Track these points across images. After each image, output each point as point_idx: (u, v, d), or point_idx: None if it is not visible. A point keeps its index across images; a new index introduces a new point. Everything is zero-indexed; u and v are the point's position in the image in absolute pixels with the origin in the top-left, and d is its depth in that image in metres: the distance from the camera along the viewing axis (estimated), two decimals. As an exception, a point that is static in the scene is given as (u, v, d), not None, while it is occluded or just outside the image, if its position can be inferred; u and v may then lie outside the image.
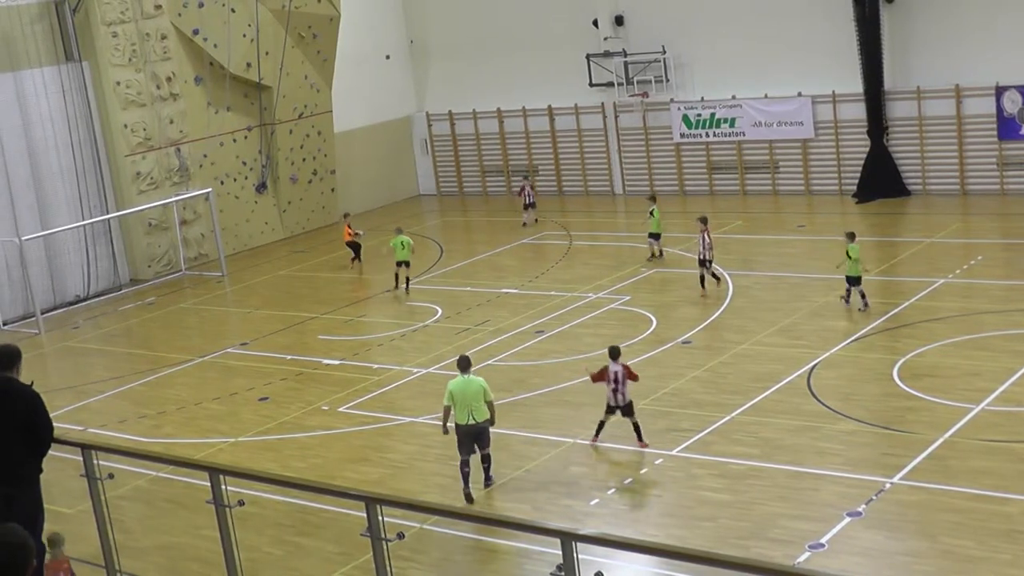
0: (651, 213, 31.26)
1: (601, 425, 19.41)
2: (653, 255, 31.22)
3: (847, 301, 25.20)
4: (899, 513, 16.24)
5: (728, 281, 28.40)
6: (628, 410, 19.18)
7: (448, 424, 18.36)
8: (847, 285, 25.17)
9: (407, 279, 30.95)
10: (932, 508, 16.23)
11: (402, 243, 30.73)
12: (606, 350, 19.70)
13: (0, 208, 33.73)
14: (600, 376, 19.24)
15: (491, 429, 18.27)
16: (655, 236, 31.27)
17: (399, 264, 30.83)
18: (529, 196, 37.93)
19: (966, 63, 34.28)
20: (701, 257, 27.63)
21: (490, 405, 18.03)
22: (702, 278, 27.69)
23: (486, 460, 18.31)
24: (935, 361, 21.83)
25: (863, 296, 24.89)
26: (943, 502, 16.35)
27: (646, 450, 18.94)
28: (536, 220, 37.88)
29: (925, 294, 25.79)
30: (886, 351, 22.74)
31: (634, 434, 19.19)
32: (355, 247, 34.56)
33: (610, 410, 19.24)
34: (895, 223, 33.75)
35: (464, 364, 18.28)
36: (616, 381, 19.00)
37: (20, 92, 34.31)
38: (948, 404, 19.62)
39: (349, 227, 34.84)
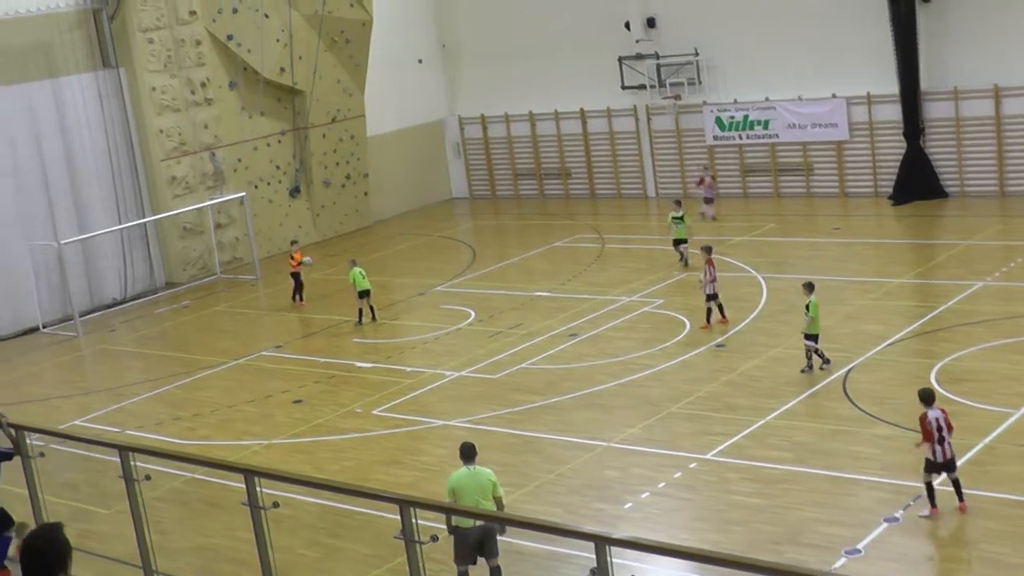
0: (679, 218, 30.81)
1: (930, 488, 15.99)
2: (683, 258, 30.67)
3: (812, 364, 21.97)
4: (937, 519, 16.11)
5: (762, 285, 28.32)
6: (952, 464, 15.95)
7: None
8: (809, 344, 21.98)
9: (372, 308, 29.44)
10: (970, 514, 16.06)
11: (361, 274, 29.25)
12: (918, 395, 16.43)
13: (38, 212, 34.02)
14: (927, 432, 15.85)
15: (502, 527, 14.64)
16: (681, 242, 30.80)
17: (362, 296, 29.12)
18: (709, 189, 36.42)
19: (1004, 62, 34.00)
20: (708, 291, 25.42)
21: (499, 502, 14.65)
22: (708, 311, 25.60)
23: (495, 574, 14.72)
24: (973, 365, 21.65)
25: (821, 354, 22.04)
26: (982, 508, 16.19)
27: (708, 458, 18.56)
28: (714, 217, 36.08)
29: (963, 297, 25.60)
30: (923, 355, 22.58)
31: (954, 493, 16.05)
32: (298, 280, 32.00)
33: (933, 467, 15.88)
34: (932, 225, 33.53)
35: (469, 453, 14.82)
36: (939, 429, 15.79)
37: (58, 98, 34.61)
38: (987, 409, 19.44)
39: (297, 255, 31.92)
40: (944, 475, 16.05)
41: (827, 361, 22.05)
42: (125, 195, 35.85)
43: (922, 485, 16.11)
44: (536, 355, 25.16)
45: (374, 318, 29.39)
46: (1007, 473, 17.13)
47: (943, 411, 15.99)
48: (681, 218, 30.78)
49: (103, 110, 35.43)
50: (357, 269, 29.32)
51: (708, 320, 25.58)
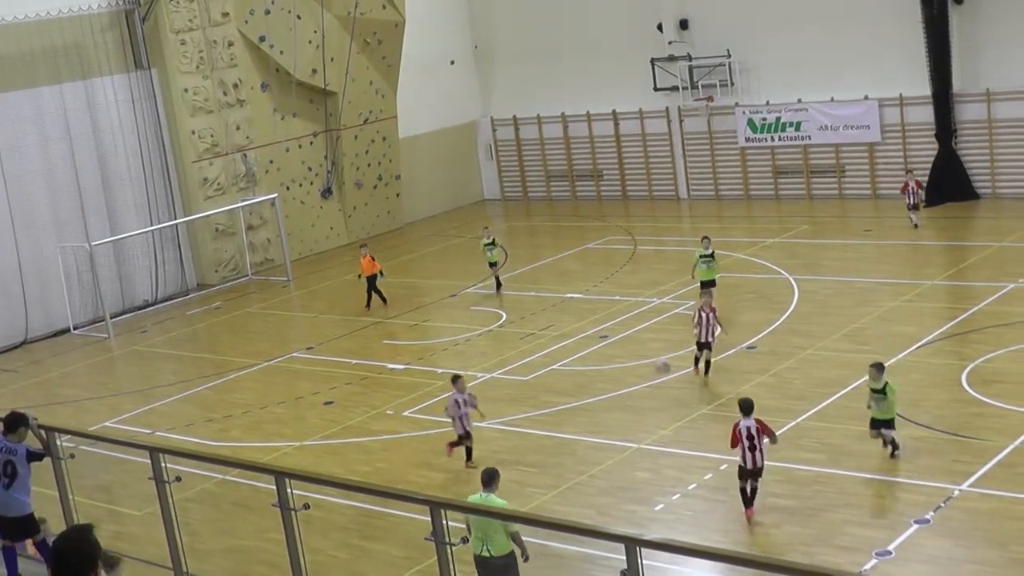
0: (709, 256, 26.57)
1: (743, 492, 16.73)
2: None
3: (893, 448, 18.18)
4: (968, 521, 16.02)
5: (794, 286, 28.22)
6: (758, 472, 16.61)
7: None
8: (887, 433, 18.19)
9: (496, 278, 31.52)
10: (1002, 516, 15.99)
11: (493, 243, 31.42)
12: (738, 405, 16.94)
13: (71, 214, 34.22)
14: (735, 438, 16.56)
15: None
16: (710, 284, 26.37)
17: (491, 265, 31.46)
18: (913, 195, 32.51)
19: (1037, 64, 33.78)
20: (700, 339, 22.54)
21: (514, 537, 13.45)
22: (696, 360, 22.90)
23: None
24: (1005, 367, 21.50)
25: (894, 443, 18.16)
26: (1014, 510, 16.10)
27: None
28: (917, 225, 32.63)
29: (994, 299, 25.41)
30: (954, 356, 22.46)
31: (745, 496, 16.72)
32: (372, 282, 31.25)
33: (745, 473, 16.64)
34: (964, 227, 33.32)
35: (486, 479, 14.09)
36: (750, 438, 16.40)
37: (91, 100, 34.79)
38: (1019, 410, 19.31)
39: (370, 258, 31.22)
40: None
41: (897, 449, 18.17)
42: (157, 196, 36.01)
43: (949, 487, 16.05)
44: (568, 357, 25.14)
45: (498, 289, 31.26)
46: (1041, 476, 17.01)
47: (758, 422, 16.56)
48: (711, 255, 26.59)
49: (135, 111, 35.61)
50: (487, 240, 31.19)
51: (696, 366, 22.87)
